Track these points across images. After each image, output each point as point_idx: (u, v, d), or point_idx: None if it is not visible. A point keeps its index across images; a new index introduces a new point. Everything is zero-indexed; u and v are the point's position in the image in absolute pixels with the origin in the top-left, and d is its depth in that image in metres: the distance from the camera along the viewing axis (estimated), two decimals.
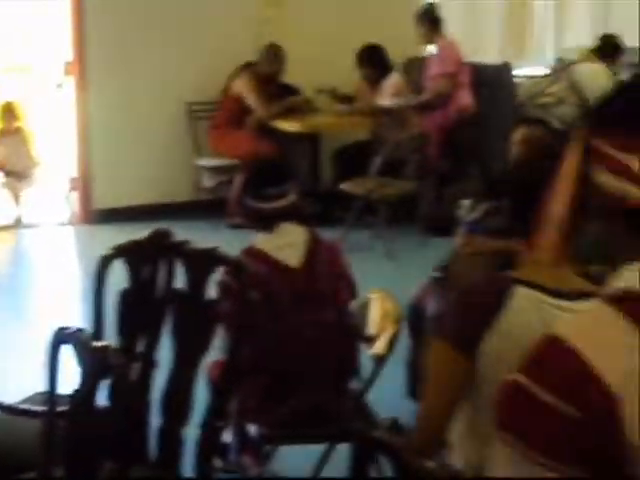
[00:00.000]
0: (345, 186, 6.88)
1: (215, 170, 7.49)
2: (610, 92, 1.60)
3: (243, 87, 7.33)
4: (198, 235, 3.69)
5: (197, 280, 2.71)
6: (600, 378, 1.46)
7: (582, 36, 9.05)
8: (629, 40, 9.19)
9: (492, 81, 7.79)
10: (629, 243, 1.55)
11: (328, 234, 4.19)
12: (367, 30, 7.59)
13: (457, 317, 2.11)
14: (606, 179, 1.53)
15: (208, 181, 7.54)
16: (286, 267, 3.23)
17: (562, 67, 7.92)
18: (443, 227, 6.44)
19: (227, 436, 3.23)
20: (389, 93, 7.48)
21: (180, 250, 2.75)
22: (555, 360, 1.50)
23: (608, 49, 7.69)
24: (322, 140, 7.87)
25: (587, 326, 1.54)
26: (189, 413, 2.67)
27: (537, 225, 1.67)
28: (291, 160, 6.92)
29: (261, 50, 7.37)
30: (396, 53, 7.66)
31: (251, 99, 7.32)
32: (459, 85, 7.40)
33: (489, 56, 8.68)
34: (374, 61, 7.55)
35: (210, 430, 2.72)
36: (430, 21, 7.46)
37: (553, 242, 1.65)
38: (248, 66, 7.39)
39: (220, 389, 2.81)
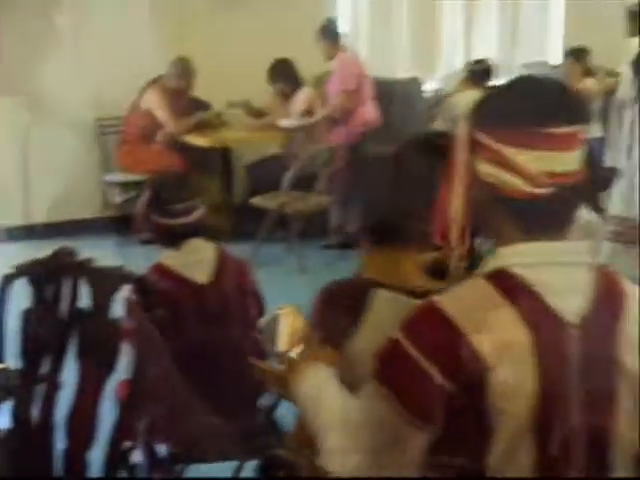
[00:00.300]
0: (257, 200, 6.87)
1: (124, 186, 7.41)
2: (492, 91, 1.77)
3: (152, 102, 7.27)
4: (108, 252, 3.65)
5: (102, 299, 2.66)
6: (474, 348, 1.59)
7: (491, 49, 9.20)
8: (537, 54, 9.40)
9: (401, 95, 7.85)
10: (507, 229, 1.68)
11: (240, 249, 4.16)
12: (280, 44, 7.59)
13: (323, 322, 2.17)
14: (486, 169, 1.66)
15: (117, 197, 7.46)
16: (194, 284, 3.20)
17: (438, 101, 8.00)
18: (355, 240, 6.46)
19: (137, 456, 3.18)
20: (300, 107, 7.49)
21: (84, 268, 2.70)
22: (432, 328, 1.63)
23: (481, 73, 7.79)
24: (234, 155, 7.85)
25: (464, 299, 1.66)
26: (95, 434, 2.62)
27: (437, 222, 1.75)
28: (202, 175, 6.87)
29: (170, 64, 7.32)
30: (308, 67, 7.68)
31: (160, 114, 7.27)
32: (362, 100, 7.40)
33: (399, 71, 8.76)
34: (284, 75, 7.55)
35: (118, 450, 2.68)
36: (331, 36, 7.45)
37: (457, 235, 1.73)
38: (157, 81, 7.34)
39: (128, 408, 2.76)
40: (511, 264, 1.65)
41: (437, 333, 1.61)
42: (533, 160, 1.61)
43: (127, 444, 2.89)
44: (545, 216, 1.66)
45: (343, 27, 7.75)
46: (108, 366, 2.62)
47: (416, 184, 2.07)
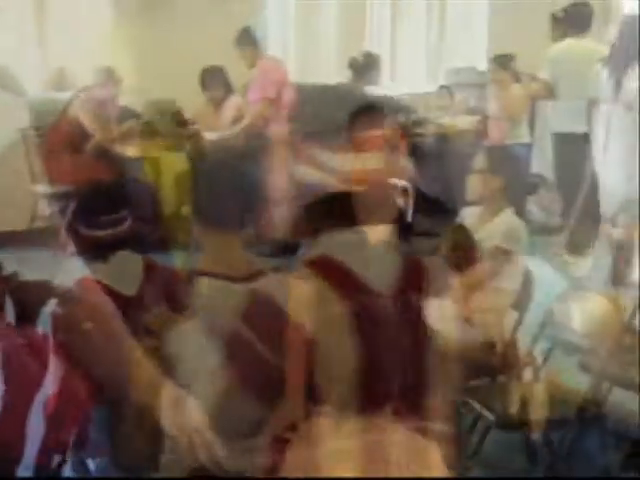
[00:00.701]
0: (187, 210, 6.82)
1: (52, 197, 7.31)
2: (305, 96, 2.05)
3: (79, 111, 7.21)
4: (36, 265, 3.59)
5: (28, 313, 2.64)
6: (300, 327, 1.78)
7: (418, 53, 9.30)
8: (462, 61, 9.52)
9: (335, 100, 7.85)
10: (328, 222, 1.89)
11: (171, 258, 4.13)
12: (211, 52, 7.57)
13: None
14: (305, 171, 1.86)
15: (45, 208, 7.37)
16: (122, 296, 3.18)
17: None
18: (291, 247, 6.46)
19: (67, 470, 3.15)
20: (230, 115, 7.48)
21: (9, 282, 2.67)
22: (263, 314, 1.83)
23: (365, 68, 7.82)
24: (164, 164, 7.80)
25: (288, 284, 1.85)
26: (22, 451, 2.59)
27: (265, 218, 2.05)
28: (132, 185, 6.82)
29: (96, 73, 7.26)
30: (240, 75, 7.67)
31: (88, 123, 7.20)
32: (282, 107, 7.39)
33: (327, 77, 8.79)
34: (216, 82, 7.54)
35: (47, 465, 2.66)
36: (249, 44, 7.42)
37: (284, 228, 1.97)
38: (84, 90, 7.27)
39: (55, 423, 2.74)
40: (328, 250, 1.88)
41: (267, 318, 1.81)
42: (345, 160, 1.83)
43: (57, 458, 2.86)
44: (360, 209, 1.87)
45: (270, 32, 7.75)
46: (35, 381, 2.59)
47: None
